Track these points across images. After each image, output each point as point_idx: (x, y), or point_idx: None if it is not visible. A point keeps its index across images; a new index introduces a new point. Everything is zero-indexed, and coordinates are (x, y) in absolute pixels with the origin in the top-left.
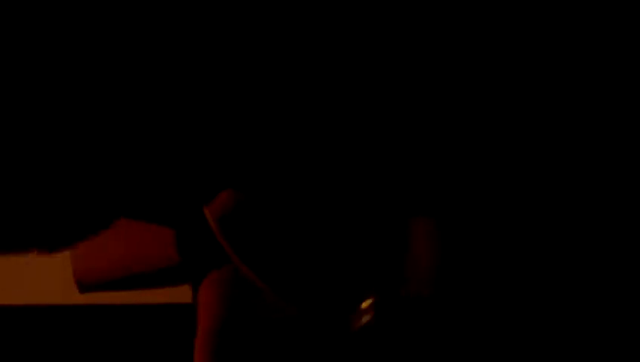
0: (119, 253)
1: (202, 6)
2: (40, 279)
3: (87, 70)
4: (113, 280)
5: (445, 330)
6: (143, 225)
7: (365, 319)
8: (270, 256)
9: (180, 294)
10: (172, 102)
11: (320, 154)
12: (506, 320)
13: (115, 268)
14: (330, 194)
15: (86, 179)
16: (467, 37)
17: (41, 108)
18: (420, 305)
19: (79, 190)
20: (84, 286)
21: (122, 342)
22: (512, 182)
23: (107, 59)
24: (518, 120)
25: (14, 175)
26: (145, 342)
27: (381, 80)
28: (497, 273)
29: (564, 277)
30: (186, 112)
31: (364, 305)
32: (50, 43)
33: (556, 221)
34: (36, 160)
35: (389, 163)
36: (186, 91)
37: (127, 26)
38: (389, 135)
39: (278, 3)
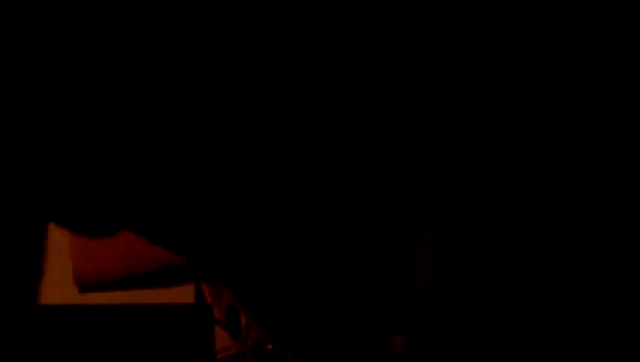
0: (119, 253)
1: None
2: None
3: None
4: (113, 280)
5: (443, 327)
6: None
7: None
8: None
9: (181, 294)
10: (172, 108)
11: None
12: (501, 319)
13: (115, 268)
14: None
15: (88, 183)
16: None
17: (46, 111)
18: (418, 303)
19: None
20: (84, 286)
21: (122, 342)
22: (507, 186)
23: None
24: (515, 123)
25: (21, 177)
26: (145, 342)
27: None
28: (493, 274)
29: (559, 279)
30: (185, 116)
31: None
32: (51, 43)
33: (552, 224)
34: (41, 164)
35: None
36: (185, 96)
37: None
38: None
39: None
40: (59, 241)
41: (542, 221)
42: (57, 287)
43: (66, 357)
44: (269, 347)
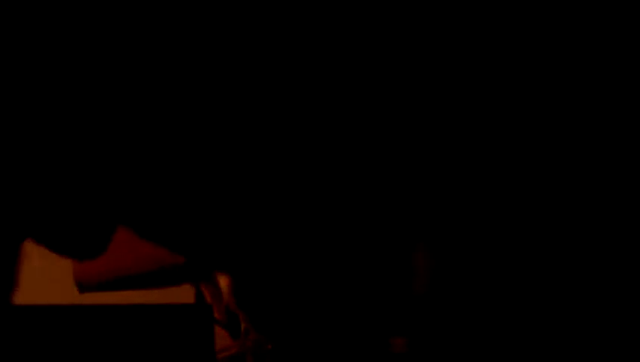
0: (118, 254)
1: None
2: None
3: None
4: (113, 280)
5: (442, 327)
6: None
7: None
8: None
9: (181, 294)
10: (171, 110)
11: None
12: (499, 319)
13: (115, 268)
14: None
15: (89, 184)
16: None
17: (49, 113)
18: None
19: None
20: (84, 286)
21: (122, 342)
22: (503, 189)
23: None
24: (513, 127)
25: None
26: (145, 342)
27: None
28: (490, 276)
29: (557, 281)
30: (185, 118)
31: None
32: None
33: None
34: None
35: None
36: (185, 98)
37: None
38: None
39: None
40: None
41: (540, 222)
42: (57, 287)
43: (66, 357)
44: (269, 347)
